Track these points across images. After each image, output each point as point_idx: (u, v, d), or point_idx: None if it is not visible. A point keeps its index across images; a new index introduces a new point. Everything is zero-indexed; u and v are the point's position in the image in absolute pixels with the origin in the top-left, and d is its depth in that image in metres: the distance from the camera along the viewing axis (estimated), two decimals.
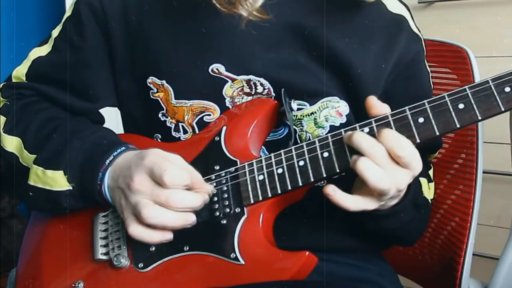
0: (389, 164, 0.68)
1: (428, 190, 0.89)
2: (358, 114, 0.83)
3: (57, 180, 0.80)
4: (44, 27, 2.23)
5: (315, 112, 0.83)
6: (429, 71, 0.92)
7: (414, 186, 0.78)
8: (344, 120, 0.84)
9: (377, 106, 0.72)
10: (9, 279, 0.96)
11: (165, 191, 0.71)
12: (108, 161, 0.77)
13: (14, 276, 0.92)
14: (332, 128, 0.83)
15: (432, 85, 0.92)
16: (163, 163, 0.71)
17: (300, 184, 0.74)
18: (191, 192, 0.74)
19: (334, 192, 0.70)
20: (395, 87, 0.86)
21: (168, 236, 0.74)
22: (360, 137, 0.69)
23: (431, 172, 0.94)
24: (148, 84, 0.86)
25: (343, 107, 0.84)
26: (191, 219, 0.74)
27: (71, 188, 0.79)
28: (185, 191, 0.73)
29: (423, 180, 0.87)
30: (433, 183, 0.93)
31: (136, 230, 0.73)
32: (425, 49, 0.90)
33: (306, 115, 0.83)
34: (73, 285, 0.81)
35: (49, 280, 0.84)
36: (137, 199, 0.72)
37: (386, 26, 0.85)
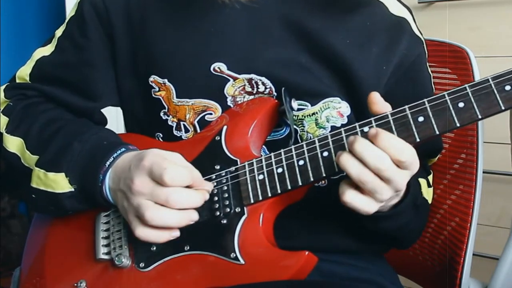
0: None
1: (427, 191, 0.89)
2: (359, 115, 0.83)
3: (58, 182, 0.80)
4: (44, 27, 2.22)
5: (317, 113, 0.83)
6: (431, 74, 0.91)
7: (414, 187, 0.77)
8: (345, 120, 0.84)
9: (379, 103, 0.71)
10: (12, 278, 0.96)
11: (165, 191, 0.71)
12: (108, 162, 0.78)
13: (18, 276, 0.93)
14: (333, 128, 0.83)
15: (434, 88, 0.92)
16: (162, 162, 0.71)
17: (300, 183, 0.73)
18: (191, 190, 0.74)
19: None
20: (396, 89, 0.85)
21: (175, 233, 0.74)
22: (359, 142, 0.67)
23: (430, 177, 0.93)
24: (150, 83, 0.86)
25: (344, 108, 0.84)
26: (194, 217, 0.74)
27: (73, 190, 0.80)
28: (185, 190, 0.73)
29: (422, 181, 0.87)
30: (432, 188, 0.92)
31: (142, 232, 0.73)
32: (427, 52, 0.90)
33: (307, 116, 0.83)
34: (75, 284, 0.81)
35: (52, 279, 0.84)
36: (139, 201, 0.72)
37: (388, 28, 0.85)
